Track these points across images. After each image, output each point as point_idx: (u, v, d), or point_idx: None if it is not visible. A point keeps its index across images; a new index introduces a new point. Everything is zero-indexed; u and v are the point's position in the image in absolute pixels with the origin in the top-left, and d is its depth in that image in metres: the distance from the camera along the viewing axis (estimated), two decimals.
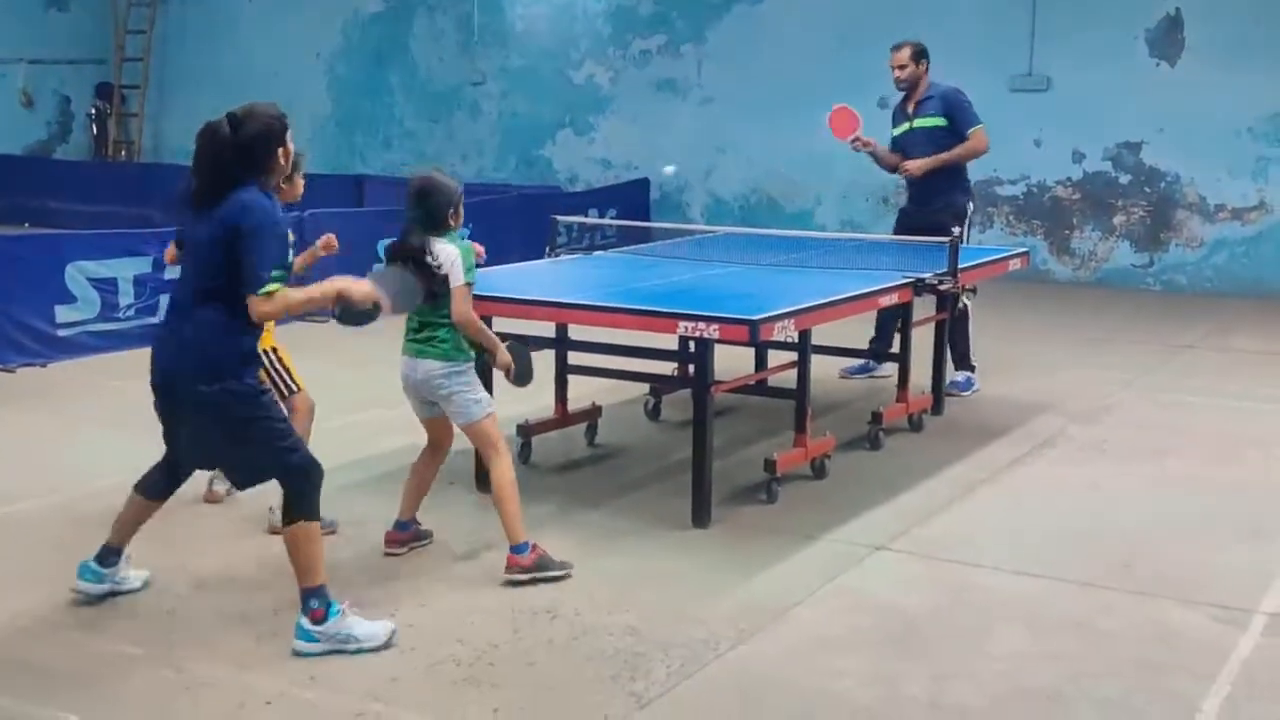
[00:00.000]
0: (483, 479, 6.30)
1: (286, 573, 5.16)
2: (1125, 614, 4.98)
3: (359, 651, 4.46)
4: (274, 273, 4.30)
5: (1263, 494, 6.48)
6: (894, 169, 8.75)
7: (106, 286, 9.44)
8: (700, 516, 5.87)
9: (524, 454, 6.74)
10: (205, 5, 18.23)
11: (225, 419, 4.41)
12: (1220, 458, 7.06)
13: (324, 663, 4.46)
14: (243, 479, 4.71)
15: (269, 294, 4.27)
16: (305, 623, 4.46)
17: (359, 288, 4.48)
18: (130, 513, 4.90)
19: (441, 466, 5.57)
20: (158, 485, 4.88)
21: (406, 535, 5.47)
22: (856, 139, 8.51)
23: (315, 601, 4.46)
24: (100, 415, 7.84)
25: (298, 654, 4.45)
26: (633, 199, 14.73)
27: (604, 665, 4.46)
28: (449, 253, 5.14)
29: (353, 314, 4.54)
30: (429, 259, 5.08)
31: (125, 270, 9.57)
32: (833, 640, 4.72)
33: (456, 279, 5.12)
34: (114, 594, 4.90)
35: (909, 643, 4.72)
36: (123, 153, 18.61)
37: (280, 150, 4.46)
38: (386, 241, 5.56)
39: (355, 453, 6.70)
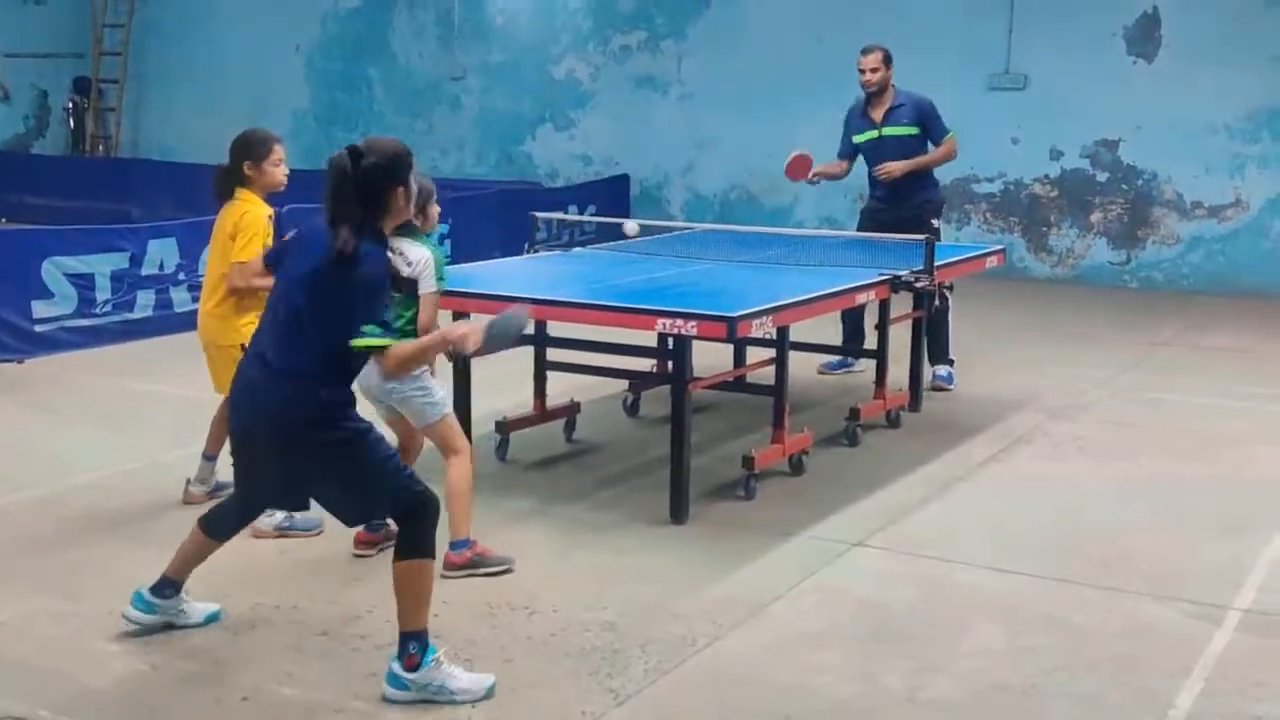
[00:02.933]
0: None
1: (258, 570, 5.19)
2: (1101, 610, 5.01)
3: (451, 703, 4.14)
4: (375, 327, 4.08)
5: (1237, 491, 6.52)
6: (840, 175, 8.89)
7: (84, 282, 9.39)
8: (678, 513, 5.88)
9: (502, 450, 6.75)
10: None
11: (331, 465, 4.16)
12: (1195, 455, 7.10)
13: (299, 658, 4.46)
14: (353, 519, 4.53)
15: (375, 348, 4.08)
16: (397, 668, 4.15)
17: (458, 329, 4.29)
18: (191, 548, 4.61)
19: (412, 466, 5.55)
20: (227, 527, 4.60)
21: (377, 536, 5.39)
22: (815, 175, 8.62)
23: (414, 645, 4.15)
24: (78, 411, 7.82)
25: (387, 700, 4.15)
26: (613, 195, 14.72)
27: (581, 661, 4.47)
28: (419, 255, 5.07)
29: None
30: (397, 260, 4.95)
31: (102, 266, 9.52)
32: (810, 636, 4.74)
33: (427, 285, 5.05)
34: (170, 627, 4.61)
35: (886, 638, 4.74)
36: (100, 147, 18.49)
37: (401, 189, 4.23)
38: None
39: None
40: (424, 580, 4.20)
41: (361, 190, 4.12)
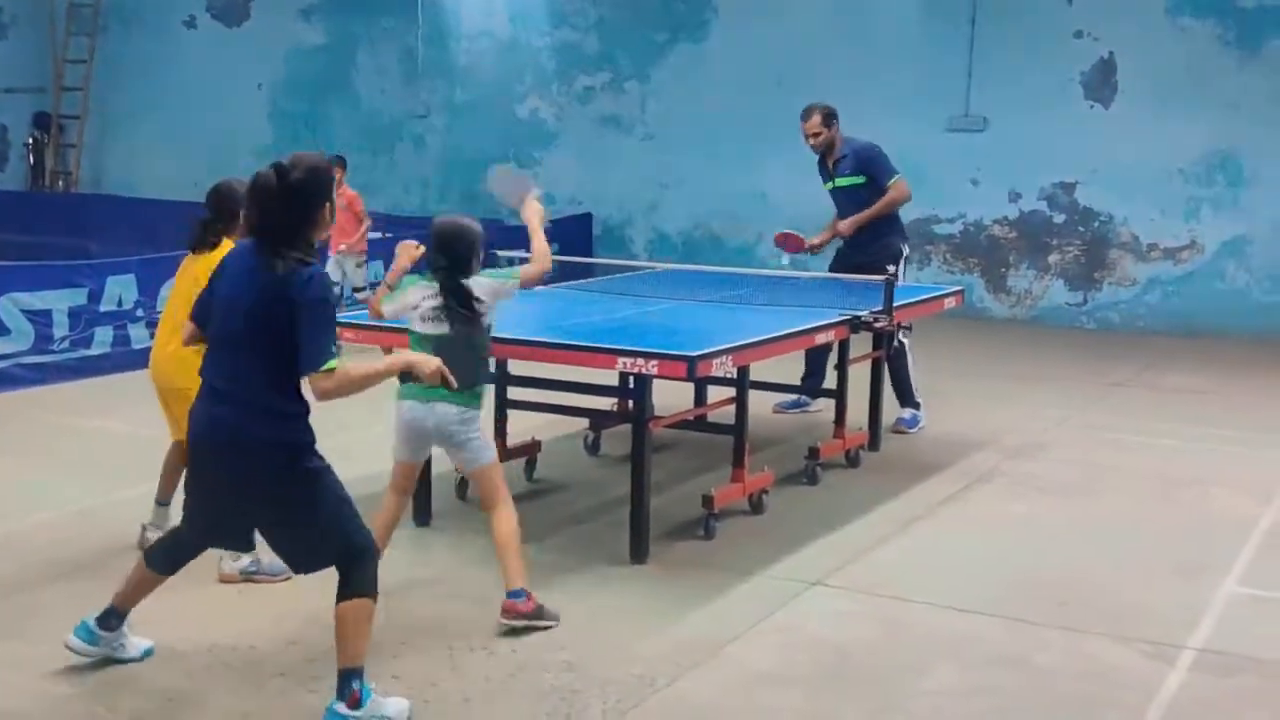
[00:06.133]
0: (421, 515, 6.29)
1: (217, 612, 5.15)
2: (1057, 650, 5.03)
3: None
4: (333, 350, 4.08)
5: (1194, 531, 6.57)
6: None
7: (41, 318, 9.33)
8: (638, 552, 5.88)
9: (462, 489, 6.73)
10: (146, 35, 18.13)
11: (288, 502, 4.17)
12: (1152, 494, 7.17)
13: (256, 699, 4.43)
14: (302, 563, 4.37)
15: (330, 371, 4.03)
16: (341, 708, 4.14)
17: (428, 364, 4.40)
18: (136, 580, 4.58)
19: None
20: (171, 562, 4.56)
21: None
22: (811, 247, 8.67)
23: (355, 683, 4.15)
24: (34, 449, 7.75)
25: None
26: (575, 234, 14.76)
27: (541, 702, 4.45)
28: (487, 285, 5.22)
29: None
30: (475, 303, 5.15)
31: (60, 302, 9.47)
32: (769, 676, 4.74)
33: (510, 290, 5.32)
34: (109, 661, 4.58)
35: (844, 678, 4.75)
36: (60, 183, 18.41)
37: (326, 204, 4.23)
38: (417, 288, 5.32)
39: None
40: (367, 618, 4.21)
41: (290, 206, 4.13)
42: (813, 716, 4.44)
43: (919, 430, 8.48)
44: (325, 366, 4.03)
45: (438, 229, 5.29)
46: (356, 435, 6.48)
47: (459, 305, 5.14)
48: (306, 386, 4.09)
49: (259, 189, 4.15)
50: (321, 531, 4.21)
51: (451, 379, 4.47)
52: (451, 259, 5.20)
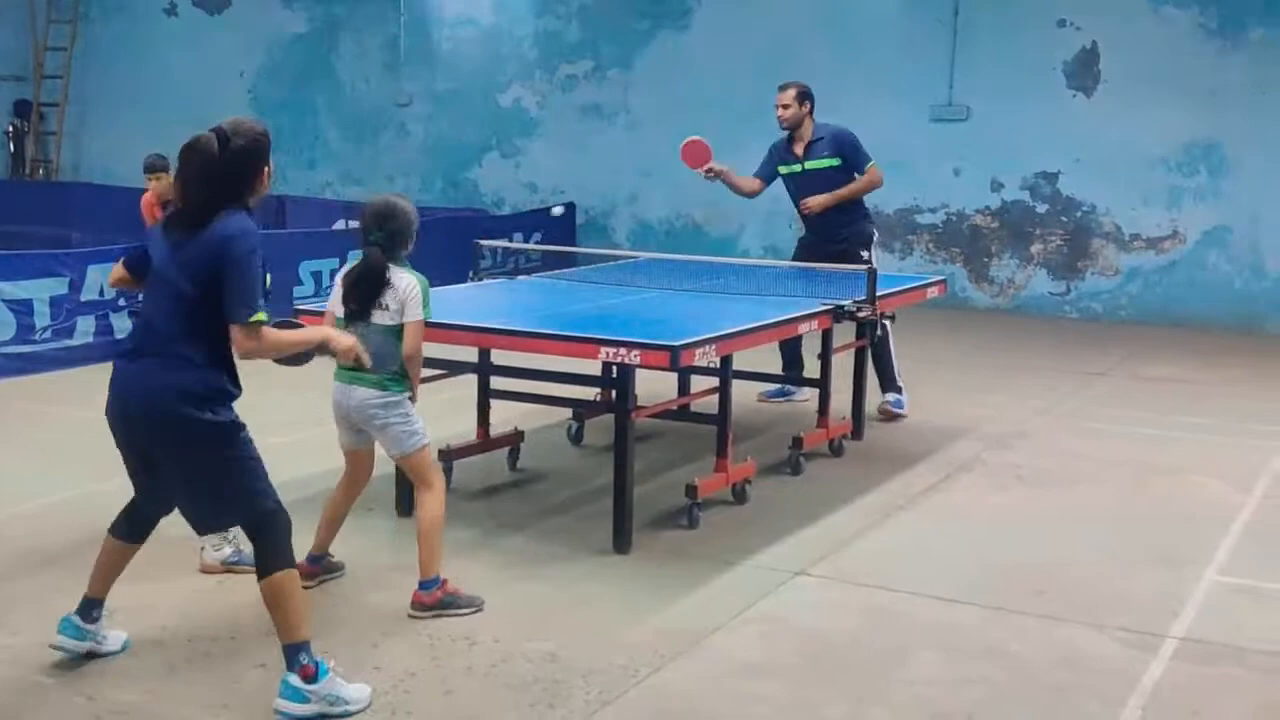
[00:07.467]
0: (404, 504, 6.28)
1: (196, 604, 5.13)
2: (1039, 639, 5.05)
3: (346, 715, 4.18)
4: (260, 304, 4.11)
5: (1174, 520, 6.60)
6: (749, 194, 8.87)
7: (22, 308, 9.28)
8: (621, 542, 5.88)
9: (445, 479, 6.70)
10: (127, 23, 18.03)
11: (196, 455, 4.16)
12: (1133, 484, 7.19)
13: (236, 690, 4.42)
14: (205, 521, 4.44)
15: (255, 325, 4.07)
16: (295, 680, 4.14)
17: (343, 341, 4.49)
18: (105, 558, 4.57)
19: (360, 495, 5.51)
20: (131, 527, 4.57)
21: (317, 569, 5.35)
22: (710, 169, 8.55)
23: (304, 657, 4.16)
24: (16, 440, 7.72)
25: (283, 714, 4.14)
26: (558, 223, 14.73)
27: (523, 693, 4.45)
28: (408, 283, 5.06)
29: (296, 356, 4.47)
30: (384, 291, 5.04)
31: (41, 291, 9.41)
32: (751, 665, 4.75)
33: (415, 313, 5.04)
34: (92, 655, 4.56)
35: (827, 668, 4.76)
36: (40, 171, 18.32)
37: (265, 169, 4.35)
38: (345, 267, 5.33)
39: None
40: (294, 590, 4.22)
41: (232, 171, 4.21)
42: (795, 706, 4.44)
43: (906, 410, 8.49)
44: (251, 319, 4.07)
45: (371, 206, 5.20)
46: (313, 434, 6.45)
47: (368, 288, 5.04)
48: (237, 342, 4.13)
49: (198, 154, 4.19)
50: (223, 487, 4.20)
51: (365, 357, 4.53)
52: (386, 234, 5.10)
